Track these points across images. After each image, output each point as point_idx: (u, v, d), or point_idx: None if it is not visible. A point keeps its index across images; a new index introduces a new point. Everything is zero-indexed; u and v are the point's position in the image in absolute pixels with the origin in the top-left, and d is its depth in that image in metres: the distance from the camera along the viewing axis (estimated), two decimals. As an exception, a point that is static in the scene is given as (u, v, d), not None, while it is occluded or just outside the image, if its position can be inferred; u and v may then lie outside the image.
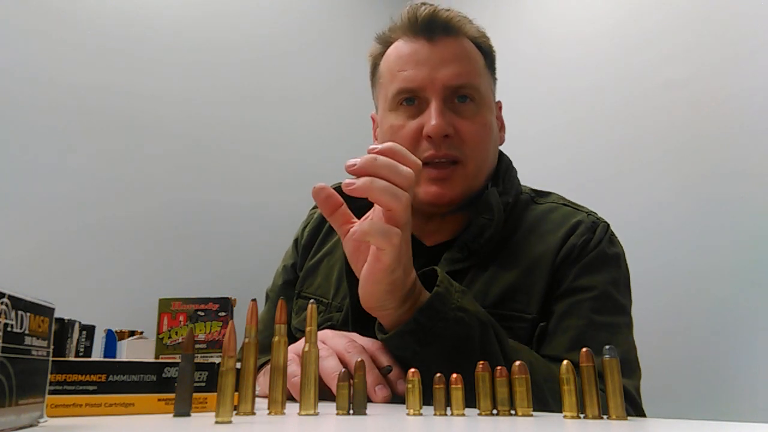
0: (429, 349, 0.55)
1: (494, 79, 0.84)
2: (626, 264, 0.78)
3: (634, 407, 0.67)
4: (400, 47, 0.78)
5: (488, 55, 0.82)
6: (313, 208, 0.95)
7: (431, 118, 0.72)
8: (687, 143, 1.32)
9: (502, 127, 0.86)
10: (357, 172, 0.52)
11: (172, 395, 0.46)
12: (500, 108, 0.86)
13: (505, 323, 0.64)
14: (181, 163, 1.50)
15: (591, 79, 1.54)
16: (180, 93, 1.53)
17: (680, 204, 1.29)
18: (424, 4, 0.77)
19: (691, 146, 1.31)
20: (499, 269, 0.72)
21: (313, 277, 0.85)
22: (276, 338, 0.48)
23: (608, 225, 0.78)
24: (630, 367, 0.70)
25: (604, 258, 0.74)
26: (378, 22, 2.05)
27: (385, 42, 0.81)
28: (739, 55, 1.26)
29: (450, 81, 0.74)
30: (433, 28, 0.76)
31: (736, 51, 1.27)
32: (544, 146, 1.61)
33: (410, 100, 0.76)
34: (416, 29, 0.77)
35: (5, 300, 0.34)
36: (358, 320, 0.69)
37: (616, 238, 0.79)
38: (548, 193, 0.84)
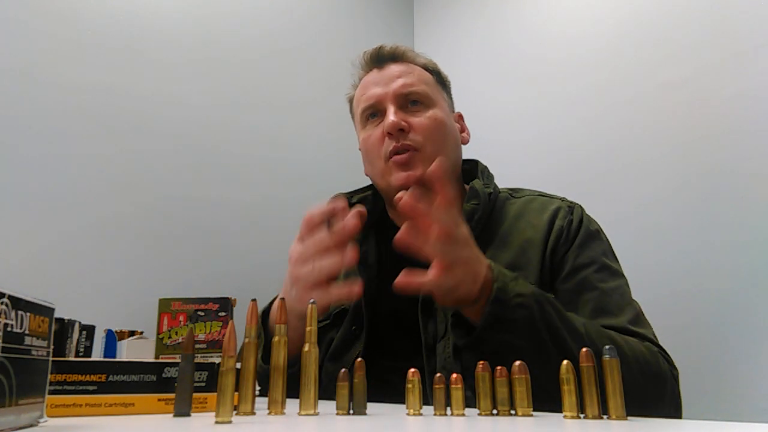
0: (507, 335, 0.64)
1: (449, 95, 1.00)
2: (605, 235, 0.90)
3: (664, 355, 0.75)
4: (362, 81, 0.97)
5: (437, 74, 0.98)
6: None
7: (387, 119, 0.88)
8: (686, 143, 1.31)
9: (463, 131, 1.00)
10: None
11: (172, 395, 0.46)
12: (461, 117, 1.01)
13: None
14: (182, 162, 1.50)
15: (589, 79, 1.54)
16: (180, 91, 1.53)
17: (680, 204, 1.29)
18: (374, 47, 0.97)
19: (691, 146, 1.30)
20: (497, 251, 0.83)
21: None
22: (276, 338, 0.48)
23: (581, 206, 0.91)
24: (644, 320, 0.79)
25: (590, 234, 0.86)
26: (377, 23, 2.04)
27: (355, 85, 1.00)
28: (738, 56, 1.26)
29: (399, 90, 0.90)
30: (381, 59, 0.95)
31: (734, 51, 1.27)
32: (542, 145, 1.60)
33: (373, 115, 0.93)
34: (369, 64, 0.97)
35: (5, 300, 0.34)
36: (368, 304, 0.84)
37: (589, 215, 0.91)
38: (521, 189, 0.96)
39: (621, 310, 0.77)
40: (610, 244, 0.88)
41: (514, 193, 0.95)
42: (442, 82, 0.98)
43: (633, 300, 0.81)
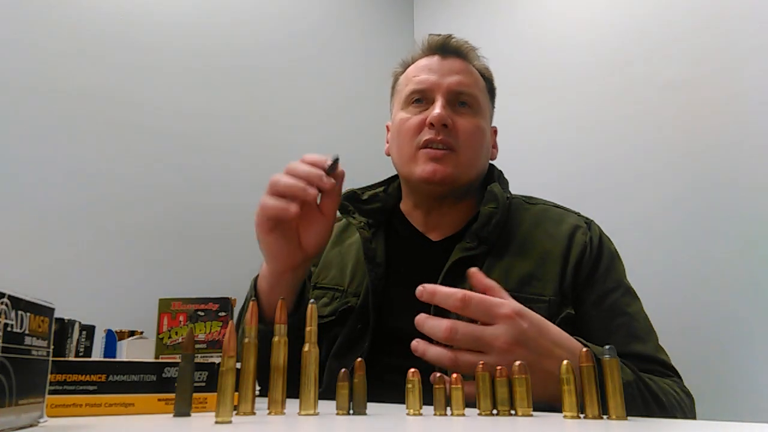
0: None
1: (492, 107, 0.98)
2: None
3: (686, 389, 0.78)
4: (418, 62, 0.94)
5: (490, 83, 0.96)
6: None
7: (434, 110, 0.86)
8: (688, 146, 1.31)
9: (494, 147, 0.99)
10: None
11: (172, 395, 0.46)
12: (495, 133, 1.00)
13: (526, 305, 0.71)
14: (181, 163, 1.50)
15: (590, 83, 1.54)
16: (180, 94, 1.53)
17: (681, 206, 1.29)
18: (440, 34, 0.95)
19: (693, 150, 1.30)
20: (515, 259, 0.83)
21: (328, 269, 0.95)
22: (276, 338, 0.48)
23: (596, 222, 0.91)
24: (659, 345, 0.82)
25: (612, 255, 0.87)
26: (377, 22, 2.03)
27: (407, 64, 0.97)
28: (739, 58, 1.26)
29: (453, 86, 0.88)
30: (446, 48, 0.93)
31: (736, 54, 1.27)
32: (542, 148, 1.60)
33: (419, 101, 0.90)
34: (432, 48, 0.94)
35: (5, 300, 0.34)
36: (375, 303, 0.83)
37: (604, 231, 0.92)
38: (533, 197, 0.96)
39: (648, 334, 0.81)
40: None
41: (528, 200, 0.95)
42: (492, 91, 0.97)
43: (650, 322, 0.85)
